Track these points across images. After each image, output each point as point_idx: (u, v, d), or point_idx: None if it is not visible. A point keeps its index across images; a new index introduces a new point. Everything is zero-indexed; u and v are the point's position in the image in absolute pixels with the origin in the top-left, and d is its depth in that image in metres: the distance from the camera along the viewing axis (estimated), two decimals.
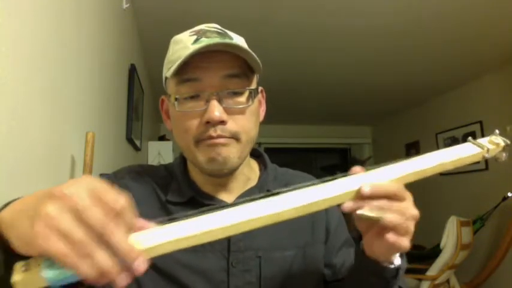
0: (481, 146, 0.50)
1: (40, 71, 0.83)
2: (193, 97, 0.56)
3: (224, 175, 0.60)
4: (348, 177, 0.44)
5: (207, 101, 0.55)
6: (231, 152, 0.56)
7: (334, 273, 0.66)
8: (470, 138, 0.52)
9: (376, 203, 0.42)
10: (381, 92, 3.91)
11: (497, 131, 0.53)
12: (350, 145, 5.58)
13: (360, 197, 0.42)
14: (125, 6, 1.88)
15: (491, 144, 0.51)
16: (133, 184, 0.62)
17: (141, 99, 2.50)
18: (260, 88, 0.64)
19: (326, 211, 0.68)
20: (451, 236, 2.67)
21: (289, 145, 5.26)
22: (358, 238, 0.55)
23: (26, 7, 0.76)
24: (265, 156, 0.71)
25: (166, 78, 0.60)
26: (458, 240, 2.64)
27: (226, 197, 0.62)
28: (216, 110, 0.54)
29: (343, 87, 3.75)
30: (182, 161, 0.66)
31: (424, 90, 3.87)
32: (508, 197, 2.93)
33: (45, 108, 0.87)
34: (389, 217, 0.43)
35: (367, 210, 0.42)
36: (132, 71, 2.12)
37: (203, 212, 0.38)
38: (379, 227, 0.45)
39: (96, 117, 1.39)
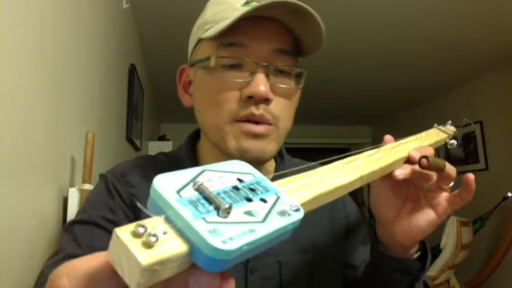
0: (444, 131, 0.57)
1: (40, 71, 0.83)
2: (234, 66, 0.48)
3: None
4: (381, 148, 0.43)
5: (252, 73, 0.47)
6: (270, 145, 0.49)
7: (355, 273, 0.60)
8: (435, 124, 0.59)
9: (424, 160, 0.42)
10: (381, 92, 3.91)
11: (449, 121, 0.61)
12: (350, 145, 5.58)
13: (409, 162, 0.42)
14: (124, 6, 1.87)
15: (448, 131, 0.59)
16: (138, 181, 0.54)
17: (141, 99, 2.50)
18: None
19: (345, 207, 0.63)
20: (451, 236, 2.67)
21: (288, 145, 5.22)
22: (374, 236, 0.51)
23: (26, 7, 0.76)
24: (282, 146, 0.62)
25: (198, 41, 0.52)
26: (458, 240, 2.64)
27: None
28: (263, 85, 0.46)
29: (343, 87, 3.75)
30: (190, 147, 0.58)
31: (424, 90, 3.87)
32: (508, 197, 2.92)
33: (45, 108, 0.87)
34: (448, 166, 0.43)
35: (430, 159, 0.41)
36: (132, 70, 2.12)
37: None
38: (415, 201, 0.45)
39: (96, 117, 1.39)
